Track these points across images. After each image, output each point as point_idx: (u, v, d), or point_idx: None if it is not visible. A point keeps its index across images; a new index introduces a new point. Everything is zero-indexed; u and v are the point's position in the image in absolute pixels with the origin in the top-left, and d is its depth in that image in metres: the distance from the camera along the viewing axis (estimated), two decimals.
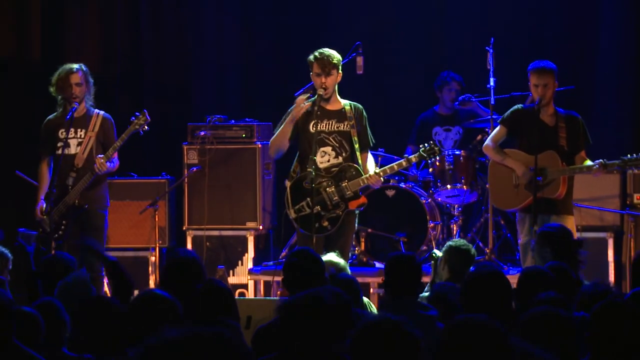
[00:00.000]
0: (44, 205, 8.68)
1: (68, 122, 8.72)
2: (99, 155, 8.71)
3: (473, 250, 7.09)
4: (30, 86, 10.53)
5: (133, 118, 8.82)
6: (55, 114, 8.94)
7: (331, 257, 6.80)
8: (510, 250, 10.10)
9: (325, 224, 8.40)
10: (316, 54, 8.43)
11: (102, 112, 8.94)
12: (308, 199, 8.34)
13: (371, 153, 9.74)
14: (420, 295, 6.75)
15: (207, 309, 5.13)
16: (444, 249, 7.03)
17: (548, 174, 8.48)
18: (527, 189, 8.53)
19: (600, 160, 8.41)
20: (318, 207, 8.37)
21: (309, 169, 8.28)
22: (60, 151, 8.74)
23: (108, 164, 8.72)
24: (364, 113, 8.60)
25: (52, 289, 6.02)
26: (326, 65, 8.37)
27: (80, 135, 8.85)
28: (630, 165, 8.48)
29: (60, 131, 8.82)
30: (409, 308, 5.60)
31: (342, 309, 4.22)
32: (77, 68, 8.86)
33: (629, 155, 8.43)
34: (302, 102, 8.44)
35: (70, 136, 8.79)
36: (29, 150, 9.26)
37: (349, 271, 6.75)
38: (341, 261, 6.78)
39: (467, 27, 10.99)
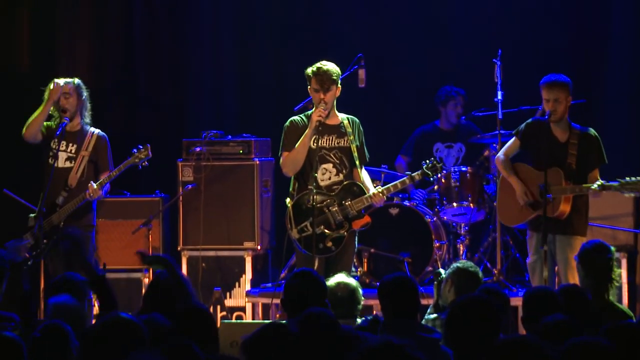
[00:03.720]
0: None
1: (59, 138, 8.65)
2: (92, 183, 8.61)
3: (481, 273, 6.97)
4: (19, 97, 10.44)
5: (134, 150, 8.71)
6: (51, 122, 8.84)
7: (341, 277, 6.50)
8: (519, 271, 9.95)
9: (329, 244, 8.17)
10: (314, 68, 8.15)
11: (97, 131, 8.88)
12: (311, 218, 8.09)
13: (374, 170, 9.64)
14: (425, 317, 6.73)
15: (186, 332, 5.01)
16: (450, 270, 6.88)
17: (550, 192, 8.25)
18: (530, 206, 8.35)
19: (600, 181, 8.19)
20: (322, 227, 8.13)
21: (310, 187, 8.01)
22: (51, 161, 8.70)
23: (100, 191, 8.65)
24: (361, 127, 8.36)
25: None
26: (325, 81, 8.09)
27: (71, 150, 8.78)
28: (630, 189, 8.19)
29: (52, 141, 8.77)
30: (410, 330, 5.47)
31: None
32: (67, 80, 8.78)
33: (627, 178, 8.18)
34: (317, 116, 8.11)
35: (61, 148, 8.71)
36: (17, 162, 9.17)
37: (360, 291, 6.47)
38: (352, 281, 6.49)
39: (474, 39, 10.92)
